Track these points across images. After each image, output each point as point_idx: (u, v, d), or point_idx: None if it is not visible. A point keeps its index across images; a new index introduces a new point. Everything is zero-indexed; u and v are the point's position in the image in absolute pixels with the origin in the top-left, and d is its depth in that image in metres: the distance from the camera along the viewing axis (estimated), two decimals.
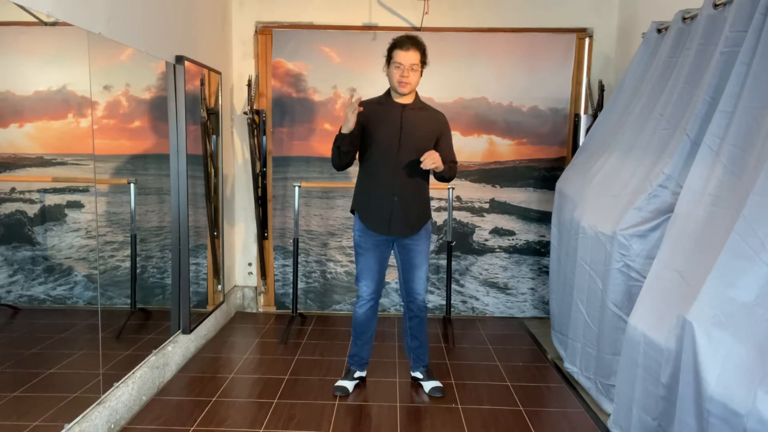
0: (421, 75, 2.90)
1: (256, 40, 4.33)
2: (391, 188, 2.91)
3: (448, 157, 3.00)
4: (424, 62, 2.87)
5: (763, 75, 2.17)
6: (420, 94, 3.00)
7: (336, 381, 3.19)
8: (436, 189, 4.28)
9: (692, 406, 1.95)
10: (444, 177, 3.00)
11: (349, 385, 3.15)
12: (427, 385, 3.16)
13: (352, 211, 3.07)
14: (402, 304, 3.23)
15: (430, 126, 2.96)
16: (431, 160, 2.78)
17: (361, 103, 2.91)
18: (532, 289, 4.48)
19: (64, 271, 2.47)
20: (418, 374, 3.24)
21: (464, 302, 4.50)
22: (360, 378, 3.24)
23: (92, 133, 2.52)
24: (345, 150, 2.85)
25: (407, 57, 2.80)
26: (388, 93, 2.96)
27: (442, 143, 2.99)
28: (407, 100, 2.92)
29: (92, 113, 2.52)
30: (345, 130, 2.78)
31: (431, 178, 3.05)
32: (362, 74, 4.26)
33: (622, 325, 2.71)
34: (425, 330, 3.19)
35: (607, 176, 3.14)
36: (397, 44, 2.84)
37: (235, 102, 4.36)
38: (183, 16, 3.45)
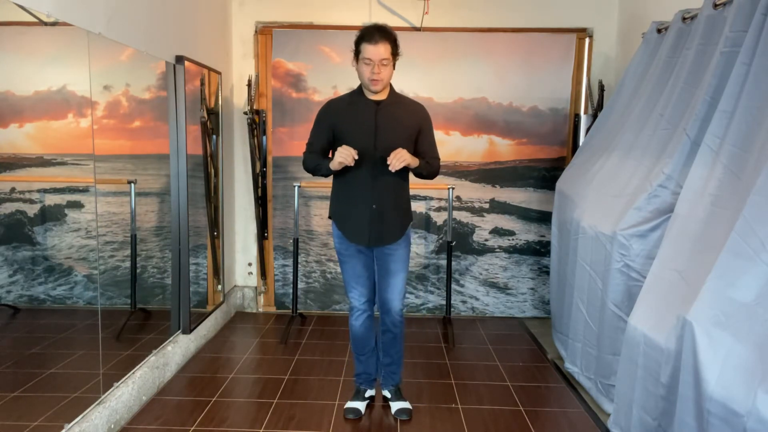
0: (394, 67, 2.63)
1: (256, 40, 4.33)
2: (369, 196, 2.65)
3: (429, 153, 2.73)
4: (395, 54, 2.59)
5: (763, 75, 2.17)
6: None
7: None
8: (436, 189, 4.29)
9: (692, 406, 1.95)
10: (423, 174, 2.71)
11: (361, 406, 2.89)
12: (395, 406, 2.89)
13: (330, 218, 2.82)
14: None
15: (408, 121, 2.68)
16: (398, 160, 2.50)
17: (330, 102, 2.74)
18: (532, 289, 4.48)
19: (64, 271, 2.47)
20: (386, 393, 2.97)
21: (464, 302, 4.50)
22: (371, 398, 2.98)
23: (92, 133, 2.52)
24: (322, 173, 2.70)
25: (377, 51, 2.51)
26: (359, 90, 2.69)
27: (422, 138, 2.72)
28: (381, 96, 2.65)
29: (92, 113, 2.52)
30: (331, 167, 2.59)
31: (410, 175, 2.78)
32: None
33: (622, 325, 2.71)
34: (400, 347, 2.91)
35: (607, 176, 3.14)
36: (364, 37, 2.54)
37: (235, 102, 4.36)
38: (183, 16, 3.45)
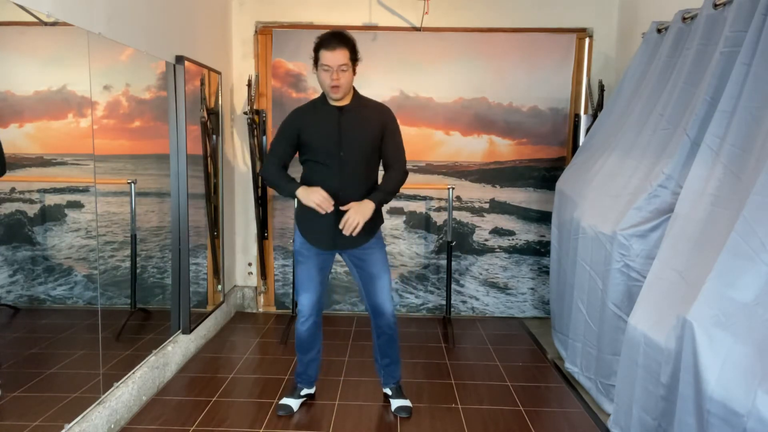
0: (355, 73, 2.64)
1: (256, 40, 4.33)
2: (335, 200, 2.59)
3: (394, 158, 2.72)
4: (355, 59, 2.61)
5: (763, 75, 2.17)
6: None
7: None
8: (436, 189, 4.29)
9: (692, 406, 1.95)
10: (390, 198, 2.71)
11: (294, 403, 2.90)
12: (395, 403, 2.92)
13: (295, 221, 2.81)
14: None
15: (373, 124, 2.68)
16: (350, 227, 2.53)
17: (296, 110, 2.74)
18: (532, 289, 4.48)
19: (64, 271, 2.47)
20: (387, 391, 3.01)
21: (464, 302, 4.50)
22: (308, 395, 3.00)
23: (92, 133, 2.52)
24: (282, 193, 2.73)
25: (334, 57, 2.52)
26: (323, 97, 2.70)
27: (386, 140, 2.70)
28: (344, 101, 2.66)
29: (92, 113, 2.52)
30: (304, 202, 2.59)
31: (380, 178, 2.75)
32: (362, 74, 4.21)
33: (622, 325, 2.71)
34: (396, 347, 2.93)
35: (607, 176, 3.14)
36: (322, 44, 2.56)
37: (235, 102, 4.36)
38: (183, 16, 3.45)
